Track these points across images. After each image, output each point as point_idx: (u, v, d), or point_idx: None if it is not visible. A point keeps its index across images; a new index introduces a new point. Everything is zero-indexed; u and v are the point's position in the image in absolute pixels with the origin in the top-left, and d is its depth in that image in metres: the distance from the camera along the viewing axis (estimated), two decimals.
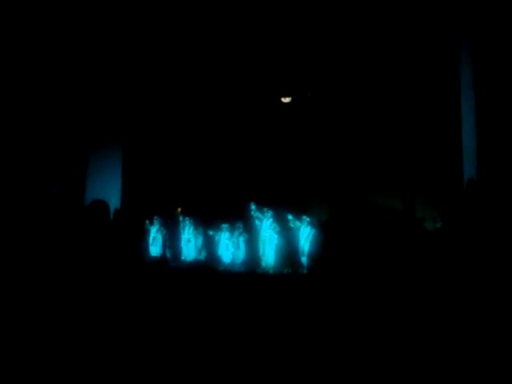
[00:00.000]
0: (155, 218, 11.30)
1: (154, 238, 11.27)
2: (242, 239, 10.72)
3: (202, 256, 11.10)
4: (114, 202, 11.57)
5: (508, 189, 8.88)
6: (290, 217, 10.55)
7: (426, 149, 11.50)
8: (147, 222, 11.27)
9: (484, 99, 9.35)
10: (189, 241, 11.06)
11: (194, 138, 12.50)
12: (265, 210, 10.60)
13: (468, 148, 10.03)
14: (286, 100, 12.46)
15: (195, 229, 11.16)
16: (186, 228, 11.13)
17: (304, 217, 10.46)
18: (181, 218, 11.44)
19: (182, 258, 11.10)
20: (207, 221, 11.31)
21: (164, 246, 11.26)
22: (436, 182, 11.33)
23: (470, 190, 9.81)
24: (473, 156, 9.72)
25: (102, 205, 11.32)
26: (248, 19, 11.25)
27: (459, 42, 10.13)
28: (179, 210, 12.00)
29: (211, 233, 10.93)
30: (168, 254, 11.22)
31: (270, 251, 10.38)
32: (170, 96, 12.12)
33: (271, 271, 10.03)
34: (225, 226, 10.79)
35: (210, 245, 11.00)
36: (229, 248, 10.75)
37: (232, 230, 10.77)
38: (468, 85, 9.76)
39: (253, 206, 10.76)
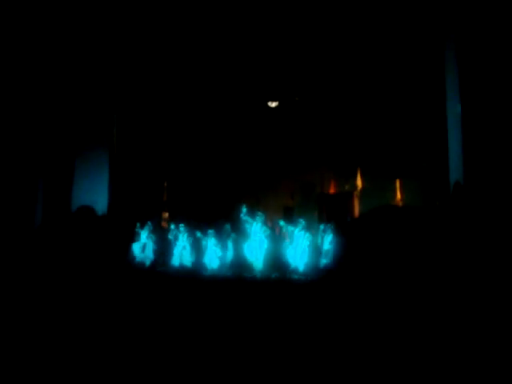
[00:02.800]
0: (146, 223, 11.17)
1: (145, 244, 11.15)
2: (229, 243, 10.65)
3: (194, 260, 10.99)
4: (101, 206, 11.50)
5: (495, 191, 8.91)
6: (281, 222, 10.56)
7: (411, 152, 11.55)
8: (138, 225, 11.13)
9: (470, 100, 9.39)
10: (184, 248, 10.86)
11: (181, 140, 12.47)
12: (255, 213, 10.57)
13: (454, 150, 10.06)
14: (273, 104, 12.47)
15: (189, 235, 10.99)
16: (180, 235, 10.91)
17: (300, 220, 10.42)
18: (173, 226, 11.24)
19: (178, 264, 10.89)
20: (196, 224, 11.23)
21: (154, 252, 11.13)
22: (421, 186, 11.37)
23: (456, 192, 9.83)
24: (459, 158, 9.75)
25: (88, 210, 11.25)
26: (235, 23, 11.28)
27: (444, 39, 10.18)
28: (166, 214, 11.95)
29: (199, 235, 10.80)
30: (157, 260, 11.11)
31: (258, 255, 10.34)
32: (156, 99, 12.08)
33: (259, 275, 10.00)
34: (211, 231, 10.69)
35: (197, 249, 10.90)
36: (217, 253, 10.67)
37: (220, 235, 10.68)
38: (453, 83, 9.80)
39: (244, 209, 10.72)
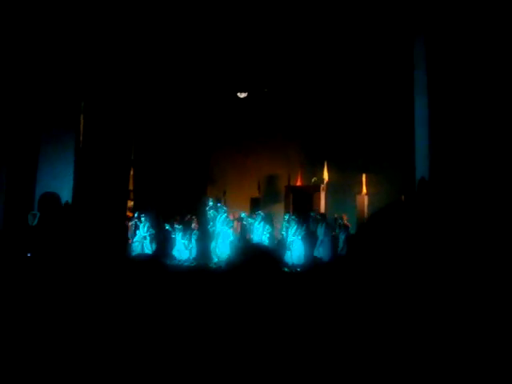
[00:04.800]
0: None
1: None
2: (194, 235, 10.63)
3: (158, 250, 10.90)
4: (66, 194, 11.30)
5: (459, 187, 9.01)
6: (243, 215, 10.61)
7: (378, 147, 11.65)
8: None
9: (437, 98, 9.45)
10: (145, 238, 10.74)
11: (149, 128, 12.31)
12: (219, 205, 10.59)
13: (420, 147, 10.14)
14: (242, 95, 12.43)
15: (150, 226, 10.86)
16: (141, 225, 10.80)
17: (258, 212, 10.50)
18: (136, 214, 11.15)
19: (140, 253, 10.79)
20: (163, 216, 11.14)
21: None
22: (388, 181, 11.48)
23: (421, 188, 9.91)
24: (425, 155, 9.82)
25: (53, 197, 11.04)
26: (205, 14, 11.15)
27: (413, 36, 10.23)
28: (131, 203, 11.82)
29: (167, 227, 10.71)
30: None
31: (223, 246, 10.34)
32: (124, 86, 11.86)
33: (223, 266, 9.99)
34: (178, 227, 10.60)
35: (165, 242, 10.79)
36: (186, 246, 10.59)
37: (185, 229, 10.60)
38: (421, 81, 9.85)
39: (210, 202, 10.76)
